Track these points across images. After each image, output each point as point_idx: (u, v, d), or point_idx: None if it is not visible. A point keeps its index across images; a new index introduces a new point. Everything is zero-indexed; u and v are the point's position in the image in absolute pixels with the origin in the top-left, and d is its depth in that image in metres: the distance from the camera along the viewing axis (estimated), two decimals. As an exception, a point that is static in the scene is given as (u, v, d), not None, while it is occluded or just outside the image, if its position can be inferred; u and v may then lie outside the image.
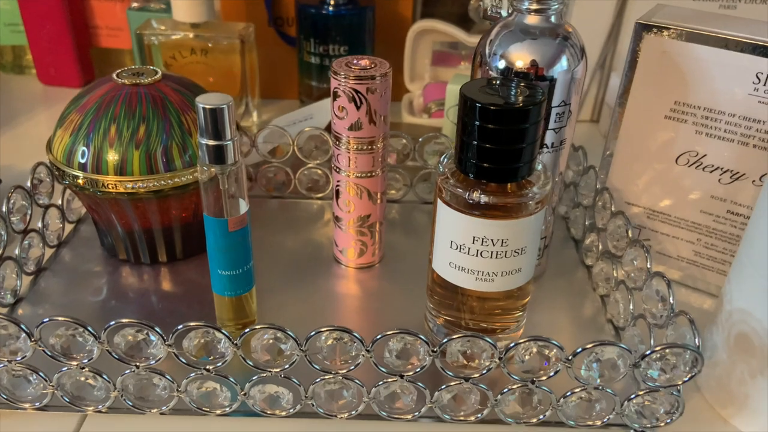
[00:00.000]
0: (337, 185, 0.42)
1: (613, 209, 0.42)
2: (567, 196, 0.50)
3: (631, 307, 0.37)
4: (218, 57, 0.61)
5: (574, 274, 0.45)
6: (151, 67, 0.41)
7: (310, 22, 0.63)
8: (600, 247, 0.43)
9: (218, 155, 0.31)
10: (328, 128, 0.52)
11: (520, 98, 0.30)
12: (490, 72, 0.37)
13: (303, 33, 0.64)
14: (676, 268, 0.45)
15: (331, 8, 0.62)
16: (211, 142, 0.31)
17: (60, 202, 0.45)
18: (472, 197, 0.32)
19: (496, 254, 0.32)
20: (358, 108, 0.38)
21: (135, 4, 0.67)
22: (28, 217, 0.41)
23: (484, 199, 0.31)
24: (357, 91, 0.38)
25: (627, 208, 0.45)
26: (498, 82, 0.32)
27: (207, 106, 0.30)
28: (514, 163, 0.31)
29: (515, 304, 0.36)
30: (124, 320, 0.29)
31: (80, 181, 0.38)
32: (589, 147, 0.50)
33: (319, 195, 0.52)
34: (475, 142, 0.31)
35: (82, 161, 0.38)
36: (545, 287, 0.44)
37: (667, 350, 0.30)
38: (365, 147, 0.40)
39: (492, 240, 0.32)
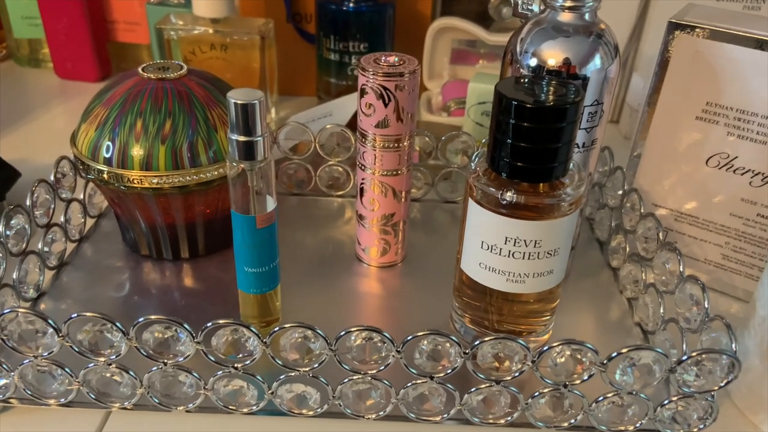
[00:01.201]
0: (362, 183, 0.42)
1: (642, 211, 0.41)
2: (591, 197, 0.49)
3: (661, 310, 0.37)
4: (237, 53, 0.60)
5: (600, 276, 0.45)
6: (176, 62, 0.41)
7: (330, 19, 0.62)
8: (627, 249, 0.42)
9: (248, 151, 0.31)
10: (348, 125, 0.52)
11: (556, 96, 0.30)
12: (521, 70, 0.36)
13: (323, 30, 0.63)
14: (704, 271, 0.45)
15: (351, 5, 0.61)
16: (242, 138, 0.31)
17: (82, 196, 0.45)
18: (504, 197, 0.31)
19: (528, 255, 0.32)
20: (386, 105, 0.38)
21: (154, -1, 0.67)
22: (51, 211, 0.40)
23: (517, 199, 0.31)
24: (385, 88, 0.37)
25: (654, 209, 0.45)
26: (532, 80, 0.32)
27: (238, 102, 0.30)
28: (549, 163, 0.30)
29: (545, 308, 0.35)
30: (153, 317, 0.29)
31: (105, 176, 0.38)
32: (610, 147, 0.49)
33: (340, 192, 0.52)
34: (509, 141, 0.30)
35: (107, 156, 0.38)
36: (570, 289, 0.43)
37: (703, 355, 0.29)
38: (391, 145, 0.39)
39: (525, 241, 0.31)
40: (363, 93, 0.38)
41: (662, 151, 0.43)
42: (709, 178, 0.42)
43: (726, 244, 0.43)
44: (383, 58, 0.38)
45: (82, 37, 0.71)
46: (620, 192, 0.45)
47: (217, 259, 0.43)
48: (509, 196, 0.31)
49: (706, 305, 0.33)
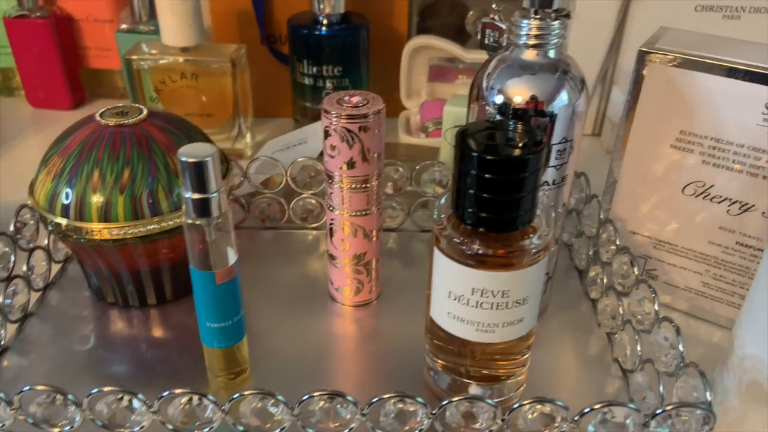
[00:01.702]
0: (331, 223, 0.41)
1: (618, 243, 0.40)
2: (570, 223, 0.48)
3: (638, 348, 0.36)
4: (209, 80, 0.59)
5: (579, 307, 0.44)
6: (137, 105, 0.39)
7: (302, 43, 0.61)
8: (605, 280, 0.42)
9: (203, 208, 0.30)
10: (323, 152, 0.50)
11: (520, 145, 0.29)
12: (487, 107, 0.35)
13: (296, 54, 0.62)
14: (684, 298, 0.44)
15: (324, 28, 0.60)
16: (195, 196, 0.30)
17: (46, 242, 0.44)
18: (470, 248, 0.30)
19: (497, 305, 0.31)
20: (350, 147, 0.37)
21: (124, 26, 0.66)
22: (11, 264, 0.39)
23: (482, 249, 0.30)
24: (349, 131, 0.36)
25: (632, 237, 0.44)
26: (495, 125, 0.31)
27: (189, 160, 0.29)
28: (513, 213, 0.29)
29: (520, 345, 0.34)
30: (106, 388, 0.28)
31: (63, 228, 0.37)
32: (590, 163, 0.48)
33: (314, 225, 0.51)
34: (471, 191, 0.29)
35: (65, 207, 0.37)
36: (549, 322, 0.42)
37: (677, 408, 0.28)
38: (359, 185, 0.38)
39: (492, 291, 0.30)
40: (327, 135, 0.37)
41: (638, 179, 0.42)
42: (686, 207, 0.41)
43: (706, 272, 0.42)
44: (346, 98, 0.37)
45: (53, 65, 0.69)
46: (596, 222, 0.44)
47: (185, 305, 0.42)
48: (475, 247, 0.30)
49: (681, 349, 0.32)
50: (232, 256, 0.32)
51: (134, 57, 0.58)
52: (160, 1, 0.57)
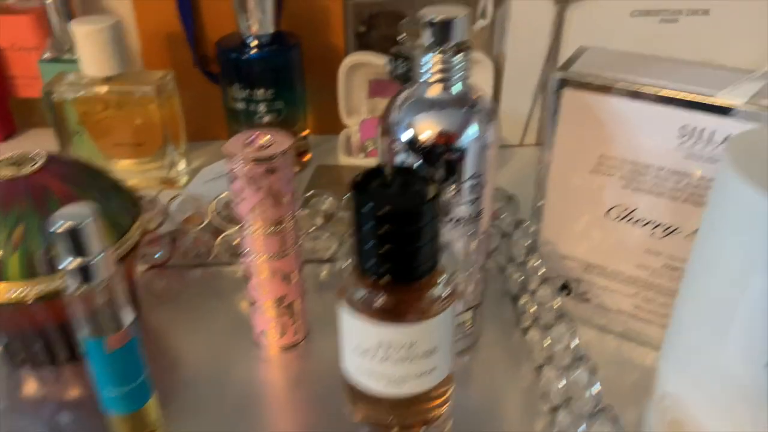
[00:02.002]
0: (247, 268, 0.39)
1: (540, 273, 0.39)
2: (503, 247, 0.47)
3: (560, 385, 0.35)
4: (134, 110, 0.57)
5: (511, 337, 0.42)
6: (30, 155, 0.37)
7: (232, 66, 0.59)
8: (533, 309, 0.41)
9: (85, 274, 0.28)
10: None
11: (415, 192, 0.28)
12: (395, 143, 0.34)
13: (226, 77, 0.60)
14: (617, 322, 0.43)
15: (253, 51, 0.58)
16: (74, 264, 0.28)
17: (-48, 298, 0.41)
18: (372, 301, 0.29)
19: (405, 359, 0.30)
20: (258, 190, 0.35)
21: (47, 55, 0.63)
22: None
23: (385, 302, 0.29)
24: (255, 175, 0.35)
25: (562, 261, 0.43)
26: (392, 171, 0.29)
27: (60, 229, 0.27)
28: (413, 264, 0.28)
29: (437, 390, 0.33)
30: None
31: (-45, 291, 0.35)
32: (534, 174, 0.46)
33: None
34: (370, 243, 0.28)
35: (-45, 269, 0.35)
36: (480, 354, 0.41)
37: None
38: (272, 229, 0.37)
39: (398, 345, 0.29)
40: (233, 179, 0.35)
41: (563, 204, 0.41)
42: (612, 230, 0.40)
43: (636, 295, 0.42)
44: (251, 138, 0.36)
45: (-23, 97, 0.67)
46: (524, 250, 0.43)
47: (100, 358, 0.40)
48: (378, 301, 0.29)
49: (594, 392, 0.31)
50: (127, 318, 0.31)
51: (54, 89, 0.56)
52: (77, 30, 0.54)
